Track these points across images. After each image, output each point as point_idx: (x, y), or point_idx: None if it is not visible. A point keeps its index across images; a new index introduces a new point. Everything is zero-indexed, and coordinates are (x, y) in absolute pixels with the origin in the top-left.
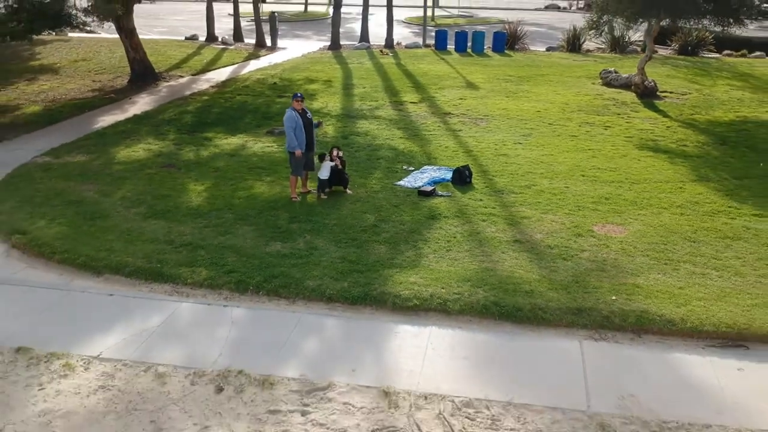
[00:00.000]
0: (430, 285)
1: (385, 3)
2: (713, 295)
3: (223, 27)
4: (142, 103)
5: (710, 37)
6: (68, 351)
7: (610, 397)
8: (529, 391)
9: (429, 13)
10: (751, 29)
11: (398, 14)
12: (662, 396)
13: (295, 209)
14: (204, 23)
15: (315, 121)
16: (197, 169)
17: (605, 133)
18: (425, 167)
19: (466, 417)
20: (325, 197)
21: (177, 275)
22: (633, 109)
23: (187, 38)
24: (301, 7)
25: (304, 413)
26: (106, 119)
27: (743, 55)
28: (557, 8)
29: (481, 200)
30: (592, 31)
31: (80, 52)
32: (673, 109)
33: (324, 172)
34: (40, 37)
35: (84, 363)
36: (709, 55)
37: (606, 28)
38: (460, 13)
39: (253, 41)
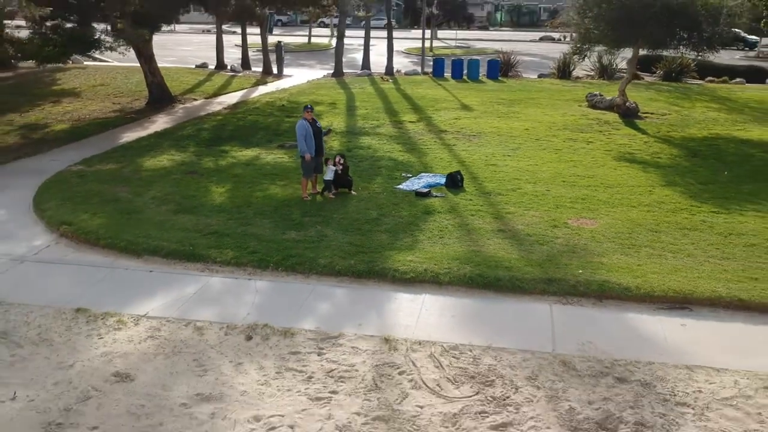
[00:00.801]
0: (425, 262)
1: (385, 35)
2: (666, 270)
3: (230, 56)
4: (161, 122)
5: (693, 65)
6: (120, 311)
7: (572, 344)
8: (506, 339)
9: (427, 44)
10: (736, 58)
11: (398, 45)
12: (616, 343)
13: (307, 206)
14: (210, 53)
15: (324, 129)
16: (217, 175)
17: (587, 147)
18: (422, 174)
19: (453, 356)
20: (333, 197)
21: (207, 255)
22: (614, 127)
23: (197, 66)
24: (305, 39)
25: (319, 354)
26: (130, 135)
27: (724, 82)
28: (551, 39)
29: (470, 200)
30: (576, 56)
31: (98, 78)
32: (651, 128)
33: (329, 174)
34: (59, 65)
35: (134, 320)
36: (692, 82)
37: (588, 54)
38: (458, 45)
39: (260, 69)
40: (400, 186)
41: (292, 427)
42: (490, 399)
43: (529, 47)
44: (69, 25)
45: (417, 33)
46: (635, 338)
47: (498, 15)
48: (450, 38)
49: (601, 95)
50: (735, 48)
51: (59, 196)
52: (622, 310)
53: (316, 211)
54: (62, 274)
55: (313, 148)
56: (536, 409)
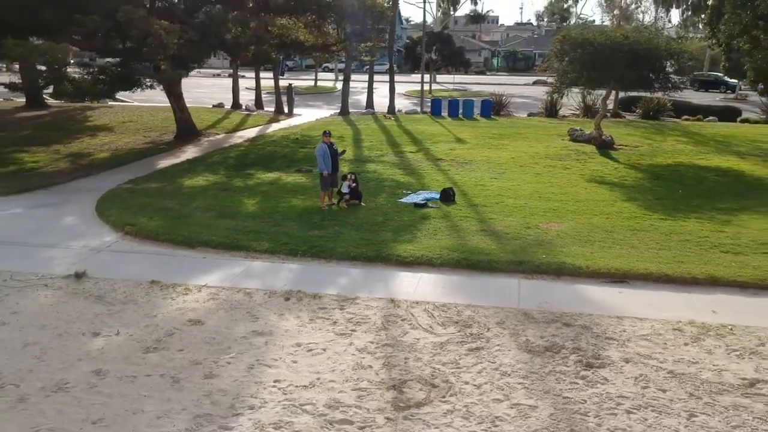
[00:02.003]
0: (421, 251)
1: (387, 78)
2: (612, 256)
3: (243, 97)
4: (190, 152)
5: (669, 104)
6: (185, 282)
7: (532, 303)
8: (483, 300)
9: (426, 87)
10: (717, 99)
11: (399, 88)
12: (566, 303)
13: (324, 214)
14: (221, 94)
15: (339, 151)
16: (247, 191)
17: (563, 172)
18: (420, 191)
19: (441, 310)
20: (346, 207)
21: (248, 246)
22: (590, 156)
23: (214, 105)
24: (310, 82)
25: (341, 309)
26: (165, 162)
27: (698, 120)
28: (544, 83)
29: (460, 210)
30: (555, 94)
31: (125, 116)
32: (623, 157)
33: (344, 188)
34: (87, 104)
35: (197, 288)
36: (669, 120)
37: (566, 92)
38: (455, 88)
39: (272, 109)
40: (402, 199)
41: (324, 349)
42: (468, 335)
43: (523, 90)
44: (113, 66)
45: (417, 77)
46: (581, 300)
47: (495, 60)
48: (448, 82)
49: (581, 130)
50: (717, 90)
51: (117, 205)
52: (574, 283)
53: (332, 217)
54: (133, 260)
55: (330, 166)
56: (502, 341)
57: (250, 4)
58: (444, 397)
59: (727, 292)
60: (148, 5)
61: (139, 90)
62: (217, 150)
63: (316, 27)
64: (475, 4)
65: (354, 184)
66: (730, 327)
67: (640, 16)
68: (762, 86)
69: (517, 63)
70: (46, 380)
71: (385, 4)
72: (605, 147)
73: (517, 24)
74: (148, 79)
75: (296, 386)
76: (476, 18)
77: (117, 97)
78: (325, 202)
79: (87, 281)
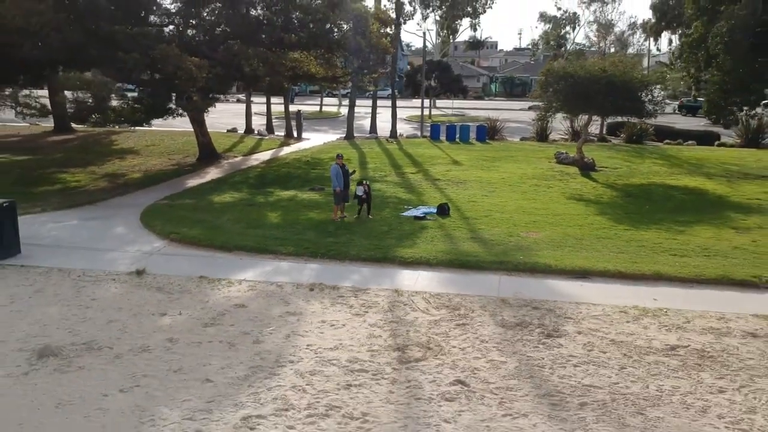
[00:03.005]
0: (420, 253)
1: (390, 104)
2: (577, 258)
3: (254, 122)
4: (213, 173)
5: (651, 129)
6: (227, 277)
7: (509, 293)
8: (469, 290)
9: (426, 112)
10: (701, 125)
11: (400, 113)
12: (537, 293)
13: (337, 225)
14: (232, 120)
15: (350, 171)
16: (269, 206)
17: (547, 191)
18: (419, 206)
19: (436, 298)
20: (356, 218)
21: (276, 249)
22: (573, 177)
23: (228, 130)
24: (315, 107)
25: (355, 297)
26: (192, 182)
27: (679, 143)
28: (539, 107)
29: (454, 221)
30: (541, 121)
31: (148, 140)
32: (602, 177)
33: (359, 191)
34: (111, 129)
35: (237, 282)
36: (651, 144)
37: (551, 118)
38: (454, 113)
39: (283, 133)
40: (404, 213)
41: (344, 324)
42: (457, 315)
43: (518, 115)
44: (147, 96)
45: (417, 102)
46: (549, 291)
47: (492, 86)
48: (447, 107)
49: (566, 153)
50: (703, 116)
51: (159, 218)
52: (545, 278)
53: (344, 227)
54: (181, 261)
55: (342, 184)
56: (483, 319)
57: (266, 41)
58: (437, 355)
59: (668, 286)
60: (176, 42)
61: (170, 117)
62: (237, 171)
63: (325, 60)
64: (475, 30)
65: (367, 189)
66: (665, 310)
67: (635, 41)
68: (714, 116)
69: (514, 88)
70: (132, 345)
71: (388, 43)
72: (587, 168)
73: (516, 49)
74: (178, 108)
75: (324, 348)
76: (475, 44)
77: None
78: (337, 214)
79: (147, 276)
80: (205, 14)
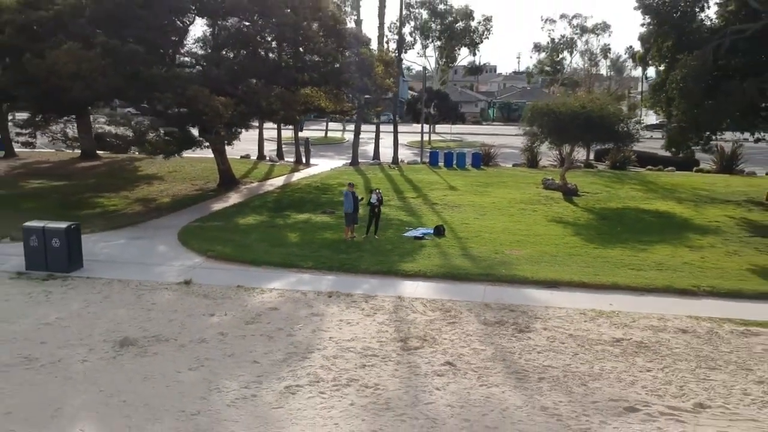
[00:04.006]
0: (419, 267)
1: (392, 129)
2: (550, 271)
3: (265, 148)
4: (234, 198)
5: (633, 156)
6: (260, 287)
7: (491, 299)
8: (459, 297)
9: (426, 138)
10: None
11: (402, 138)
12: (514, 300)
13: (349, 244)
14: (246, 146)
15: (359, 197)
16: (288, 228)
17: (532, 214)
18: (419, 227)
19: (431, 303)
20: (364, 238)
21: (298, 264)
22: (556, 201)
23: (242, 157)
24: (319, 132)
25: (366, 302)
26: (217, 206)
27: (659, 170)
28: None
29: (448, 241)
30: (527, 151)
31: (169, 166)
32: (583, 202)
33: (372, 199)
34: (133, 156)
35: (269, 290)
36: (634, 169)
37: (538, 146)
38: (452, 138)
39: (292, 159)
40: (405, 234)
41: (358, 322)
42: (448, 315)
43: (514, 141)
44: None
45: (418, 127)
46: (524, 298)
47: (490, 111)
48: (446, 132)
49: (552, 179)
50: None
51: (195, 237)
52: (522, 288)
53: (355, 246)
54: (220, 273)
55: (352, 208)
56: (469, 319)
57: (282, 80)
58: (431, 345)
59: (623, 294)
60: (202, 81)
61: (197, 149)
62: (255, 196)
63: (334, 95)
64: (474, 55)
65: (380, 196)
66: (617, 312)
67: (629, 66)
68: (674, 149)
69: (511, 114)
70: (191, 337)
71: (391, 83)
72: (570, 194)
73: (515, 73)
74: (202, 140)
75: (343, 340)
76: (473, 70)
77: None
78: (348, 235)
79: (193, 286)
80: (229, 56)
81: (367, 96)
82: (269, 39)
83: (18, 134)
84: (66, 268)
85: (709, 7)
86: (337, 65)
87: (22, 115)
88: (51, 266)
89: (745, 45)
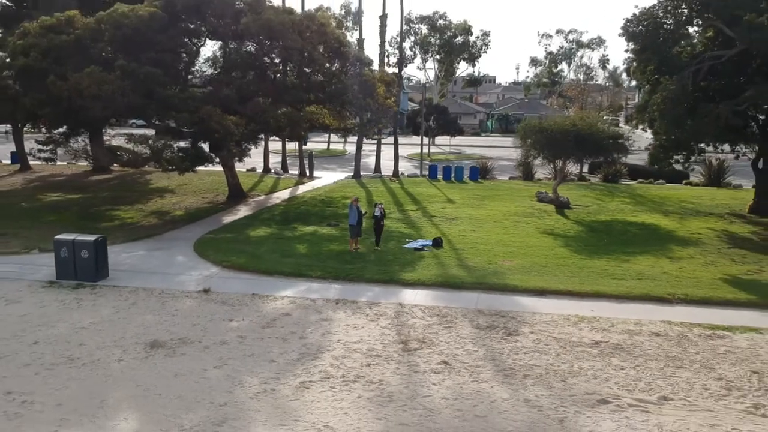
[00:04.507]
0: (418, 276)
1: (392, 141)
2: (539, 280)
3: (270, 160)
4: (243, 211)
5: (625, 170)
6: (273, 294)
7: (484, 306)
8: (455, 304)
9: (425, 150)
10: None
11: (402, 151)
12: (505, 306)
13: (353, 255)
14: (252, 159)
15: (363, 211)
16: (296, 240)
17: (525, 226)
18: (418, 239)
19: (429, 309)
20: (364, 250)
21: (307, 273)
22: (548, 214)
23: (248, 170)
24: (321, 144)
25: (370, 308)
26: (228, 218)
27: (650, 182)
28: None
29: (445, 252)
30: (520, 166)
31: (178, 180)
32: (573, 214)
33: (376, 212)
34: (144, 169)
35: (281, 297)
36: (626, 182)
37: (531, 161)
38: (451, 150)
39: (296, 172)
40: (405, 245)
41: (363, 327)
42: (444, 321)
43: (511, 153)
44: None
45: (418, 139)
46: (514, 304)
47: (489, 123)
48: (445, 144)
49: (546, 193)
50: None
51: (210, 249)
52: (512, 295)
53: (359, 257)
54: (236, 282)
55: (356, 221)
56: (463, 323)
57: (289, 100)
58: (429, 347)
59: (604, 301)
60: (214, 101)
61: (209, 165)
62: (263, 209)
63: (338, 113)
64: (473, 67)
65: (382, 210)
66: (598, 318)
67: (627, 79)
68: (656, 166)
69: (509, 125)
70: (214, 340)
71: (392, 103)
72: (562, 206)
73: (514, 83)
74: (214, 156)
75: (350, 342)
76: (473, 82)
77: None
78: (353, 246)
79: (212, 294)
80: (238, 76)
81: (368, 113)
82: (277, 61)
83: (40, 150)
84: (94, 277)
85: (688, 35)
86: (341, 85)
87: (31, 134)
88: (80, 276)
89: (722, 69)
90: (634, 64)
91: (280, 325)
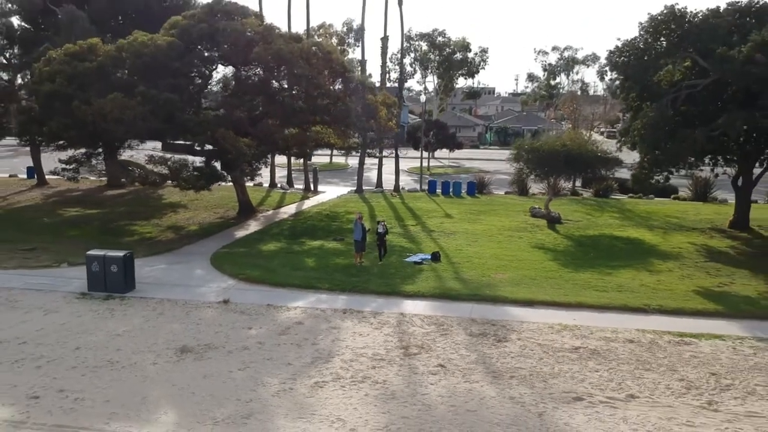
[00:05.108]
0: (417, 288)
1: (393, 154)
2: (528, 292)
3: (276, 174)
4: (253, 225)
5: (615, 185)
6: (286, 305)
7: (477, 315)
8: (450, 314)
9: (425, 163)
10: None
11: (402, 164)
12: (497, 315)
13: (358, 268)
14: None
15: (366, 227)
16: (304, 254)
17: (518, 241)
18: (418, 253)
19: (427, 318)
20: (380, 262)
21: (316, 286)
22: (540, 229)
23: (255, 185)
24: (326, 158)
25: (374, 317)
26: (240, 233)
27: (640, 197)
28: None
29: (443, 266)
30: (514, 184)
31: (190, 195)
32: (564, 229)
33: (380, 228)
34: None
35: (294, 308)
36: (616, 197)
37: (526, 178)
38: (450, 164)
39: (301, 186)
40: (406, 259)
41: (368, 334)
42: (441, 329)
43: (509, 166)
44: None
45: (418, 153)
46: (505, 314)
47: (487, 135)
48: (444, 157)
49: (539, 208)
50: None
51: (226, 262)
52: (503, 306)
53: (363, 270)
54: (252, 293)
55: (360, 236)
56: (458, 331)
57: (296, 121)
58: (427, 352)
59: (586, 311)
60: (226, 123)
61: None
62: (273, 224)
63: (342, 132)
64: (473, 78)
65: (384, 227)
66: (579, 326)
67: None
68: (638, 185)
69: (507, 138)
70: (236, 345)
71: (394, 125)
72: (553, 222)
73: (512, 95)
74: (225, 174)
75: (357, 347)
76: (472, 94)
77: None
78: (357, 260)
79: (231, 304)
80: (249, 99)
81: (371, 132)
82: (285, 86)
83: (63, 170)
84: (122, 289)
85: (668, 65)
86: (345, 108)
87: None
88: (109, 288)
89: (699, 96)
90: (618, 91)
91: (294, 332)
